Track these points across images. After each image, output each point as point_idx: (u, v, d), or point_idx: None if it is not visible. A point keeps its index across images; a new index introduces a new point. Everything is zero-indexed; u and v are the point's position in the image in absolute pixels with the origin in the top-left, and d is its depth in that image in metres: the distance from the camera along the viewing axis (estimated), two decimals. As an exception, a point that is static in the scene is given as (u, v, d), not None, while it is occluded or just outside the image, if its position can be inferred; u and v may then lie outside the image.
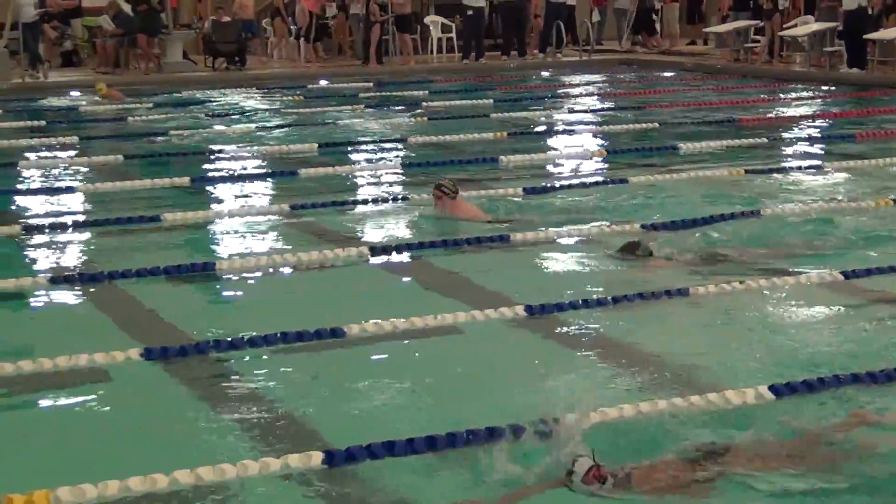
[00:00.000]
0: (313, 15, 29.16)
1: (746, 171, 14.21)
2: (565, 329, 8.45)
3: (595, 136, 18.60)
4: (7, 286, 9.60)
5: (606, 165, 15.51)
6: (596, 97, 24.05)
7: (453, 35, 29.60)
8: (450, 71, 27.87)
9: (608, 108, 22.04)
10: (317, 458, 5.96)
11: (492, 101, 22.68)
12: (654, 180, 13.69)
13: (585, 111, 22.06)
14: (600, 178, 14.29)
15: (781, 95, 23.33)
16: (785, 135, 18.50)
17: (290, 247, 10.88)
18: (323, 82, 26.16)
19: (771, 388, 6.81)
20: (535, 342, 8.27)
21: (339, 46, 30.45)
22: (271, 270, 10.19)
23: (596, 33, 30.66)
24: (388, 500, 5.70)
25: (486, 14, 28.69)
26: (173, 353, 7.77)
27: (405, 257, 10.55)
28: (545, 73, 28.09)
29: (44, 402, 7.25)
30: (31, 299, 9.50)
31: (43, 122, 20.54)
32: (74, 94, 24.72)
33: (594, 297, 8.94)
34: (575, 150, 16.92)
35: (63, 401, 7.23)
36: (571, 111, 22.01)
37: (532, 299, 8.82)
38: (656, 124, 18.70)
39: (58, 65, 28.31)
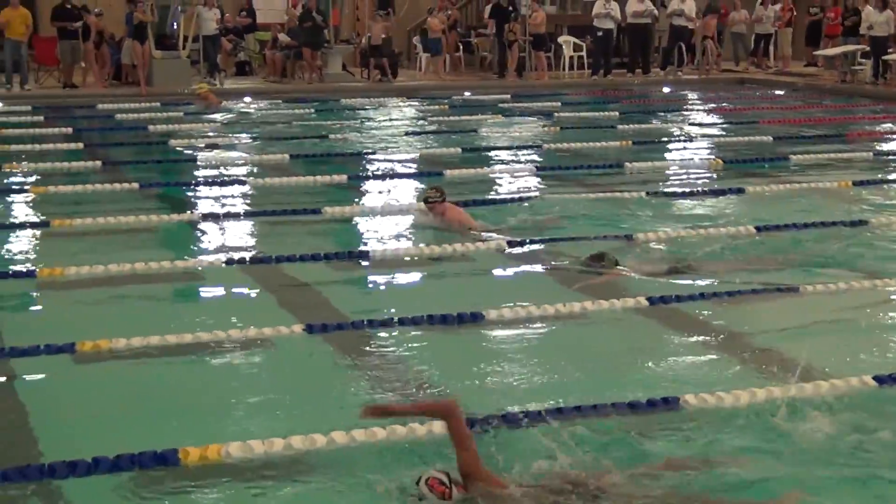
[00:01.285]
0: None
1: (854, 183, 13.93)
2: (681, 318, 8.40)
3: (712, 147, 18.34)
4: (188, 266, 9.85)
5: (723, 174, 15.29)
6: (713, 112, 23.67)
7: (584, 53, 29.43)
8: (580, 86, 27.69)
9: (724, 122, 21.67)
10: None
11: (617, 113, 22.47)
12: (768, 190, 13.48)
13: (703, 124, 21.74)
14: (717, 186, 14.08)
15: (885, 114, 22.79)
16: (889, 149, 18.13)
17: (435, 239, 10.97)
18: (466, 94, 26.19)
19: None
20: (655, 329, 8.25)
21: (480, 62, 30.47)
22: (418, 259, 10.29)
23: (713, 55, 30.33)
24: (516, 462, 5.60)
25: (614, 35, 28.50)
26: (331, 328, 7.89)
27: (539, 249, 10.52)
28: (666, 89, 27.74)
29: (217, 368, 7.39)
30: (208, 278, 9.70)
31: (218, 124, 20.95)
32: (247, 99, 25.09)
33: (711, 291, 8.90)
34: (694, 160, 16.78)
35: (234, 367, 7.39)
36: (690, 124, 21.71)
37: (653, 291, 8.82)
38: (769, 138, 18.37)
39: (232, 73, 28.74)
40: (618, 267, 9.53)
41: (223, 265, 9.81)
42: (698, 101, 25.94)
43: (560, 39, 29.64)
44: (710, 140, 19.41)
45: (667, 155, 17.45)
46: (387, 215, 12.29)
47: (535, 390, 6.85)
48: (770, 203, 12.78)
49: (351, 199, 13.21)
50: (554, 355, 7.62)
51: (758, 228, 11.04)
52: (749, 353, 7.54)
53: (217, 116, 22.13)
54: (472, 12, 32.90)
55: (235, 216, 12.15)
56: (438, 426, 5.66)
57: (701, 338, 7.98)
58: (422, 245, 10.50)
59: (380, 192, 13.91)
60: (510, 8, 27.92)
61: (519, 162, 16.35)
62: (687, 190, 13.90)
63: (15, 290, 9.16)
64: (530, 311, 8.30)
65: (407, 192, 13.95)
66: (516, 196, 13.38)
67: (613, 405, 6.38)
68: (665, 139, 19.39)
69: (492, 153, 17.24)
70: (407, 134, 19.69)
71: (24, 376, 7.10)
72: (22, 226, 11.67)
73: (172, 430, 6.16)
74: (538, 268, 10.04)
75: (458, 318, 8.12)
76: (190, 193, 13.84)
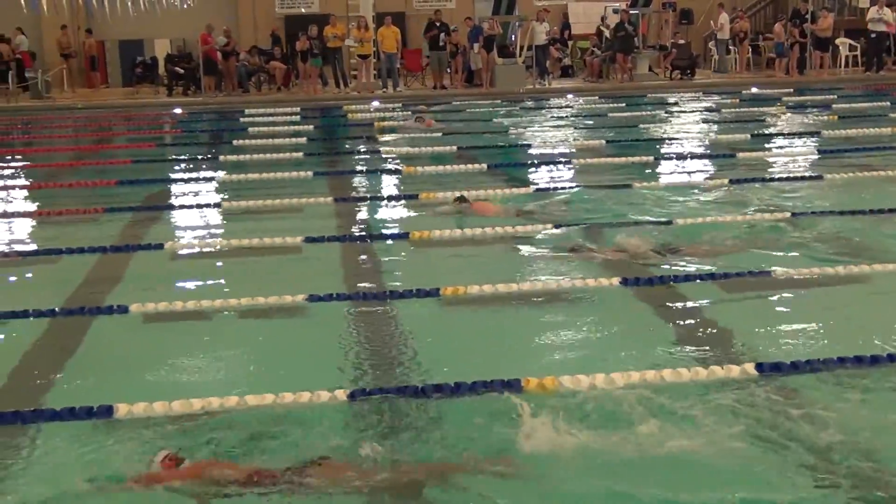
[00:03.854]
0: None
1: None
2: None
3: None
4: (524, 231, 9.83)
5: None
6: None
7: (858, 53, 27.87)
8: (855, 81, 26.20)
9: None
10: (749, 368, 5.78)
11: (888, 103, 21.08)
12: None
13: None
14: None
15: None
16: None
17: (722, 210, 10.59)
18: (753, 89, 25.26)
19: None
20: None
21: (766, 62, 29.30)
22: (713, 224, 9.93)
23: None
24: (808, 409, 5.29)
25: (889, 36, 26.82)
26: (643, 282, 7.72)
27: (818, 221, 9.93)
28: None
29: (547, 312, 7.22)
30: (535, 240, 9.42)
31: (546, 117, 21.10)
32: (569, 96, 25.10)
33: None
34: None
35: (549, 312, 7.22)
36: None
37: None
38: None
39: (558, 75, 28.84)
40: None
41: (552, 229, 9.69)
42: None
43: (837, 41, 28.14)
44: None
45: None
46: (687, 189, 12.03)
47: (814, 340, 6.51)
48: None
49: (656, 177, 13.00)
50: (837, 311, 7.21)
51: None
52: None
53: (546, 110, 22.26)
54: (759, 19, 31.81)
55: (562, 190, 12.17)
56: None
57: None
58: (717, 215, 10.15)
59: (678, 171, 13.64)
60: (805, 14, 26.83)
61: (800, 146, 15.63)
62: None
63: (392, 249, 9.36)
64: (801, 272, 7.86)
65: (703, 170, 13.61)
66: (798, 175, 12.78)
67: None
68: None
69: (776, 139, 16.54)
70: (703, 122, 19.23)
71: (400, 314, 7.21)
72: (398, 198, 12.10)
73: (513, 362, 6.12)
74: (815, 235, 9.47)
75: (748, 273, 7.77)
76: (525, 171, 13.95)
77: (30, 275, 8.99)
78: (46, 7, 21.97)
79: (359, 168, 14.59)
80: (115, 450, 4.97)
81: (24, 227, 11.12)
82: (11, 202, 12.69)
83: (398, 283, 7.88)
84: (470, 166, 13.81)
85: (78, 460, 4.87)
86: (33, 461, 4.93)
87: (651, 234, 9.25)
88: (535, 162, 14.71)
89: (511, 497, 4.47)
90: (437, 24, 26.12)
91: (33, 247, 9.87)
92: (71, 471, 4.75)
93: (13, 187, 14.01)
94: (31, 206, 12.22)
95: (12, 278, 8.86)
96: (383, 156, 15.69)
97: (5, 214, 11.64)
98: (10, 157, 17.06)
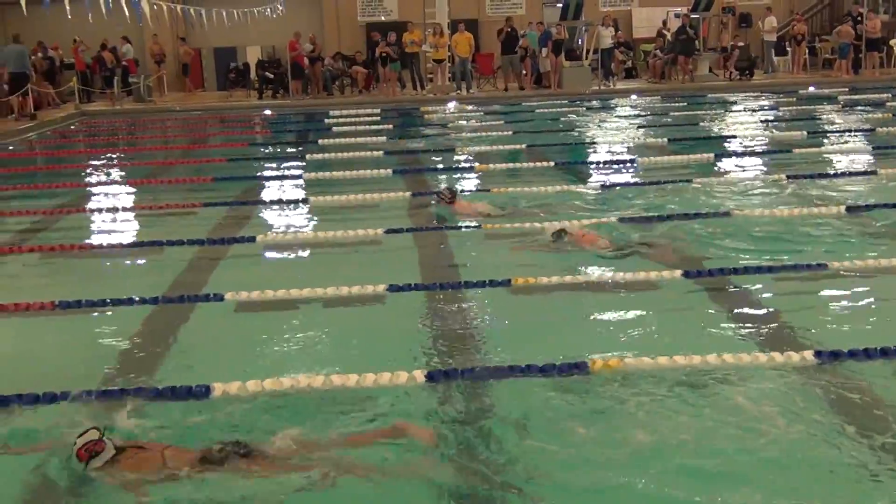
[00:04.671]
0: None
1: None
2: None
3: None
4: (591, 225, 9.75)
5: None
6: None
7: (912, 53, 27.26)
8: (908, 79, 25.63)
9: None
10: (808, 355, 5.66)
11: (943, 100, 20.57)
12: None
13: None
14: None
15: None
16: None
17: (777, 202, 10.39)
18: (810, 88, 24.75)
19: None
20: None
21: (822, 62, 28.68)
22: (771, 217, 9.71)
23: None
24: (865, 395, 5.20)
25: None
26: (704, 273, 7.62)
27: (872, 215, 9.66)
28: None
29: (594, 298, 7.17)
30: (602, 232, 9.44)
31: (611, 115, 20.90)
32: (633, 97, 24.86)
33: None
34: None
35: (624, 302, 7.13)
36: None
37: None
38: None
39: (622, 77, 28.57)
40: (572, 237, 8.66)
41: (617, 223, 9.55)
42: None
43: (892, 42, 27.44)
44: None
45: None
46: (741, 183, 11.84)
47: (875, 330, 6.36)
48: None
49: (716, 172, 12.80)
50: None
51: None
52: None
53: (610, 110, 22.06)
54: (816, 22, 31.13)
55: (625, 185, 12.05)
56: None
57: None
58: (774, 208, 9.95)
59: (735, 167, 13.41)
60: (857, 16, 26.23)
61: (855, 143, 15.27)
62: None
63: (466, 241, 9.35)
64: (867, 263, 7.67)
65: (761, 166, 13.37)
66: (853, 170, 12.50)
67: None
68: None
69: (832, 136, 16.17)
70: (761, 121, 18.88)
71: (474, 302, 7.16)
72: (471, 192, 11.98)
73: (579, 345, 6.07)
74: (875, 229, 9.27)
75: (806, 266, 7.60)
76: (590, 168, 13.80)
77: (134, 265, 9.16)
78: (149, 18, 22.36)
79: (434, 165, 14.60)
80: (212, 426, 5.05)
81: (129, 220, 11.34)
82: (118, 198, 12.95)
83: (471, 274, 7.88)
84: (538, 163, 13.74)
85: (181, 437, 4.95)
86: (138, 439, 5.02)
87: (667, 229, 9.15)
88: (600, 159, 14.59)
89: (585, 472, 4.46)
90: (510, 29, 26.04)
91: (137, 239, 10.06)
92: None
93: (119, 184, 14.31)
94: (136, 202, 12.47)
95: (119, 268, 9.04)
96: (457, 153, 15.70)
97: (113, 209, 11.88)
98: (116, 156, 17.42)
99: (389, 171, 13.70)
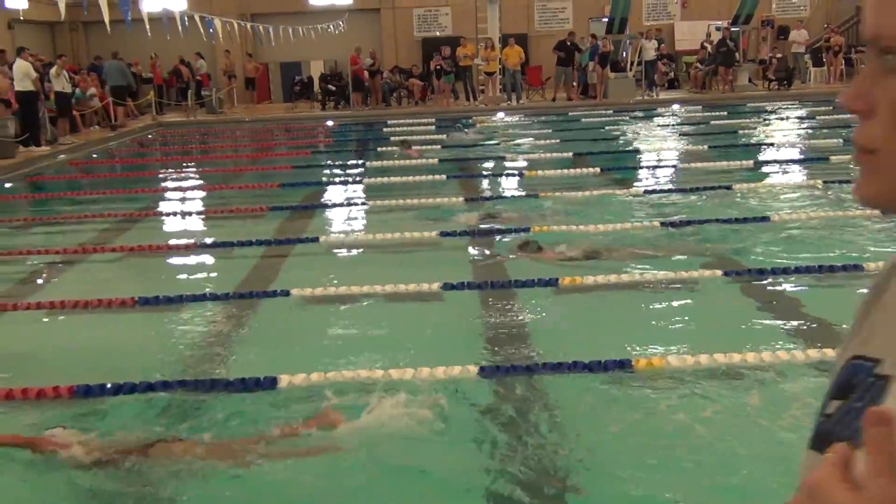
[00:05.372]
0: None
1: None
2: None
3: None
4: (630, 227, 9.70)
5: None
6: None
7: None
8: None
9: None
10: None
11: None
12: None
13: None
14: None
15: None
16: None
17: (813, 206, 10.25)
18: (846, 97, 24.30)
19: None
20: None
21: (859, 72, 28.17)
22: (808, 220, 9.58)
23: None
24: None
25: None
26: (744, 273, 7.56)
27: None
28: None
29: (647, 299, 7.16)
30: (646, 236, 9.22)
31: (651, 125, 20.73)
32: (675, 106, 24.63)
33: None
34: None
35: (666, 302, 7.12)
36: None
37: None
38: None
39: (665, 87, 28.30)
40: (540, 252, 8.48)
41: (658, 226, 9.49)
42: None
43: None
44: None
45: None
46: (777, 188, 11.68)
47: None
48: None
49: (755, 178, 12.64)
50: None
51: None
52: None
53: (653, 119, 21.89)
54: (852, 34, 30.55)
55: (668, 191, 11.94)
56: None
57: None
58: (811, 211, 9.81)
59: (773, 173, 13.25)
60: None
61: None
62: None
63: (515, 242, 9.24)
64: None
65: (798, 172, 13.20)
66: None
67: None
68: None
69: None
70: (798, 129, 18.62)
71: (523, 301, 7.16)
72: (521, 198, 12.06)
73: (623, 342, 6.05)
74: None
75: (842, 268, 7.48)
76: (634, 174, 13.74)
77: (207, 264, 9.30)
78: (221, 35, 22.69)
79: (486, 171, 14.60)
80: (279, 415, 5.11)
81: (201, 223, 11.50)
82: (191, 202, 13.14)
83: (521, 274, 7.87)
84: (585, 170, 13.69)
85: (247, 425, 5.02)
86: (205, 424, 5.09)
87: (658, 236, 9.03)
88: (644, 165, 14.49)
89: (626, 464, 4.45)
90: (569, 43, 26.00)
91: (210, 240, 10.20)
92: (241, 434, 4.91)
93: (192, 189, 14.52)
94: (208, 206, 12.64)
95: (193, 267, 9.18)
96: (507, 160, 15.68)
97: (187, 212, 12.07)
98: (190, 164, 17.67)
99: (443, 176, 13.73)
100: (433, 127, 21.79)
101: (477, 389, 5.38)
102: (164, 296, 7.48)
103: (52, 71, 20.20)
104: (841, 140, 15.85)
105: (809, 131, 18.14)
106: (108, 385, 5.51)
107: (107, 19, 16.37)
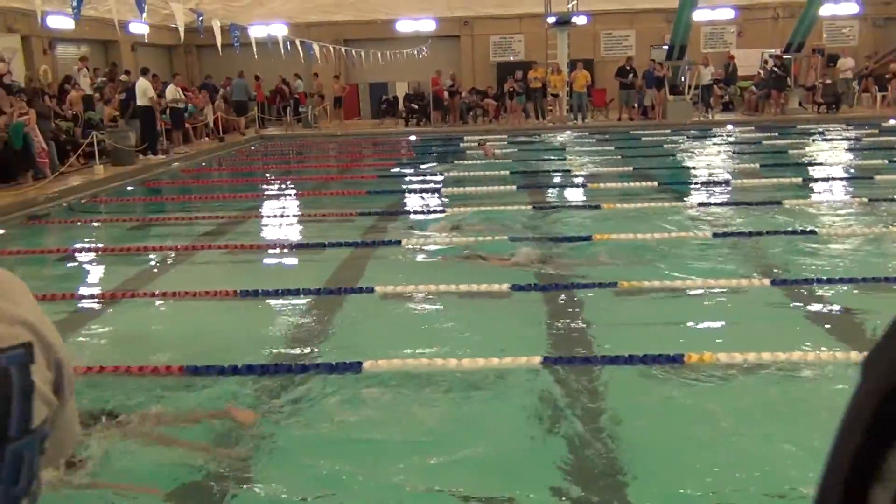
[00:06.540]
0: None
1: None
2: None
3: None
4: (679, 237, 9.55)
5: None
6: None
7: None
8: None
9: None
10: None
11: None
12: None
13: None
14: None
15: None
16: None
17: (858, 222, 9.97)
18: (892, 121, 23.58)
19: None
20: None
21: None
22: (853, 234, 9.31)
23: None
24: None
25: None
26: (790, 282, 7.40)
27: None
28: None
29: (694, 302, 7.06)
30: (688, 247, 9.13)
31: (706, 144, 20.37)
32: (729, 127, 24.15)
33: None
34: None
35: (717, 305, 7.00)
36: None
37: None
38: None
39: (720, 110, 27.79)
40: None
41: (711, 237, 9.40)
42: None
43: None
44: None
45: None
46: (824, 205, 11.39)
47: None
48: None
49: (803, 194, 12.35)
50: None
51: None
52: None
53: (708, 139, 21.51)
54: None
55: (721, 204, 11.73)
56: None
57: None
58: (866, 225, 9.52)
59: (821, 190, 12.91)
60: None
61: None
62: None
63: (579, 248, 9.17)
64: None
65: (844, 189, 12.84)
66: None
67: None
68: None
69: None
70: (845, 150, 18.10)
71: (585, 301, 7.15)
72: (584, 207, 11.95)
73: (676, 340, 5.99)
74: None
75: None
76: (690, 189, 13.53)
77: (301, 261, 9.43)
78: (319, 58, 23.04)
79: (553, 183, 14.52)
80: (364, 396, 5.18)
81: (296, 225, 11.68)
82: (288, 206, 13.35)
83: (583, 276, 7.83)
84: (644, 183, 13.54)
85: (335, 406, 5.09)
86: (301, 405, 5.18)
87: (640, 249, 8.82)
88: (699, 181, 14.26)
89: (676, 453, 4.40)
90: (627, 68, 25.77)
91: (304, 241, 10.35)
92: (329, 413, 4.99)
93: (289, 195, 14.75)
94: (303, 210, 12.82)
95: (288, 264, 9.34)
96: (573, 174, 15.58)
97: (284, 215, 12.26)
98: (287, 173, 17.95)
99: (514, 187, 13.71)
100: (505, 142, 21.76)
101: (541, 379, 5.37)
102: (262, 289, 7.63)
103: (168, 89, 20.73)
104: (887, 161, 15.40)
105: (856, 152, 17.63)
106: (214, 366, 5.64)
107: (219, 43, 16.74)
